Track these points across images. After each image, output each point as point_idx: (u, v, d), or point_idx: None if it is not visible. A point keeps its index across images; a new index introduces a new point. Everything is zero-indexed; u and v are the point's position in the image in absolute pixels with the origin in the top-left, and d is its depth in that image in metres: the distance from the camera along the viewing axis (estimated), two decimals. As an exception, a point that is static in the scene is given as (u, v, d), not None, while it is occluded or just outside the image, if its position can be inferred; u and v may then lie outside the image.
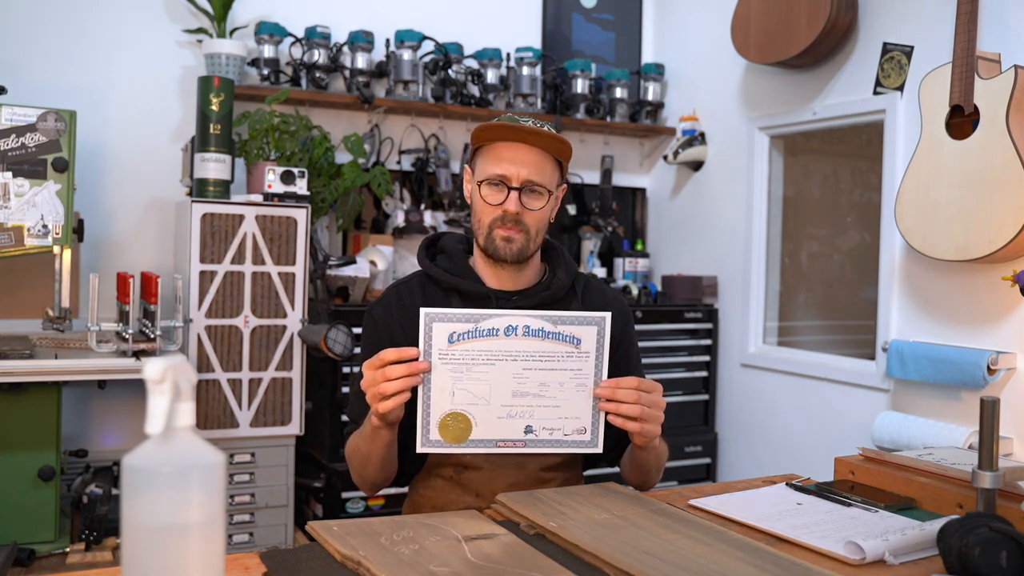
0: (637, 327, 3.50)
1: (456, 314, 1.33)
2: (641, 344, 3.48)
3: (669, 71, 3.98)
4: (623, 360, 1.61)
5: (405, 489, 1.68)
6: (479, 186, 1.54)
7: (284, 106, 3.29)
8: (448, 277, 1.59)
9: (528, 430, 1.37)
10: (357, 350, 2.68)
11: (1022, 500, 1.27)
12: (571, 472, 1.63)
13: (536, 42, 3.86)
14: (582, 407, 1.38)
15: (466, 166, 1.61)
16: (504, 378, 1.35)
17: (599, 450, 1.40)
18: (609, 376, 1.58)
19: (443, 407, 1.35)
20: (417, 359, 1.33)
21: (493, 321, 1.33)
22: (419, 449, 1.37)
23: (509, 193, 1.51)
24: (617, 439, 1.61)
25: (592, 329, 1.36)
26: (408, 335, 1.55)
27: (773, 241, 3.56)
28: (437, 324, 1.33)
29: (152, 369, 0.74)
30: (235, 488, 2.76)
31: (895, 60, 2.92)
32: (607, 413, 1.39)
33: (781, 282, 3.60)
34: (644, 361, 3.60)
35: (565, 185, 1.63)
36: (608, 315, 1.37)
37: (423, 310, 1.34)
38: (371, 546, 1.12)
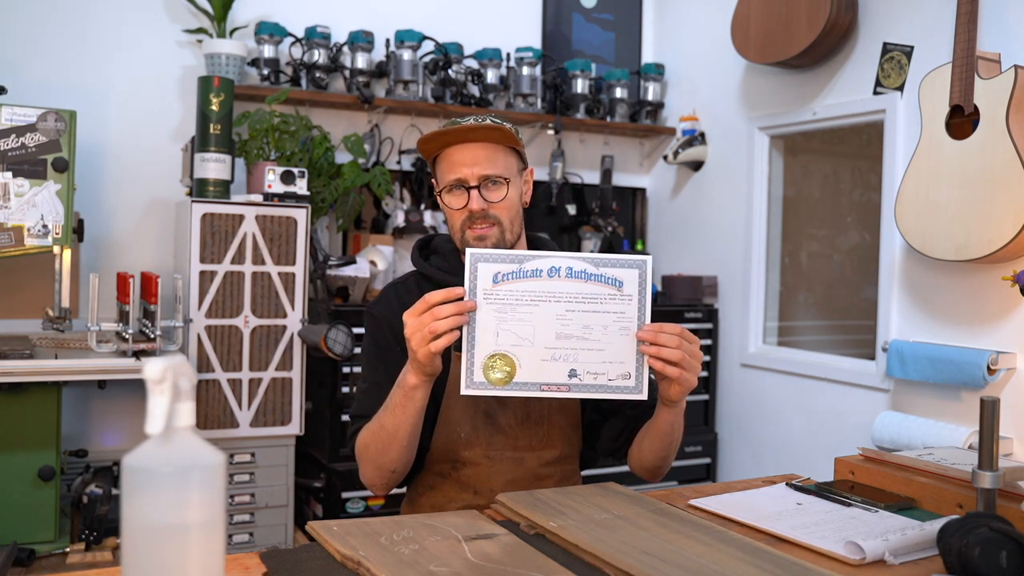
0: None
1: (501, 254, 1.35)
2: (641, 344, 3.49)
3: (669, 71, 3.98)
4: None
5: (404, 490, 1.68)
6: (441, 196, 1.57)
7: (284, 106, 3.29)
8: (443, 275, 1.60)
9: (572, 374, 1.36)
10: (357, 350, 2.68)
11: (1022, 500, 1.27)
12: (569, 467, 1.63)
13: (536, 42, 3.86)
14: (626, 352, 1.36)
15: (433, 180, 1.62)
16: (548, 319, 1.35)
17: (643, 397, 1.38)
18: None
19: (487, 348, 1.35)
20: (463, 299, 1.34)
21: (537, 262, 1.35)
22: (463, 391, 1.36)
23: (469, 193, 1.52)
24: (622, 429, 1.60)
25: (633, 272, 1.36)
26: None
27: (773, 241, 3.56)
28: (482, 264, 1.35)
29: (152, 369, 0.74)
30: (235, 488, 2.76)
31: (895, 60, 2.92)
32: (649, 358, 1.37)
33: (781, 282, 3.60)
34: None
35: (531, 168, 1.65)
36: (649, 258, 1.37)
37: (469, 251, 1.35)
38: (371, 546, 1.12)
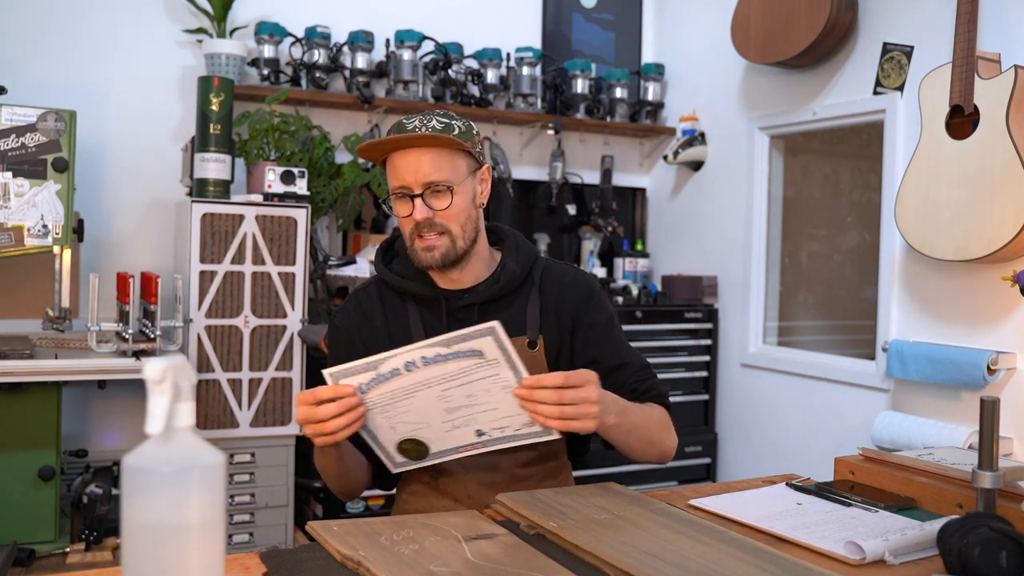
0: (637, 327, 3.50)
1: (354, 367, 1.28)
2: (641, 344, 3.50)
3: (669, 71, 3.99)
4: (588, 335, 1.56)
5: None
6: (389, 202, 1.51)
7: (284, 106, 3.29)
8: (401, 282, 1.56)
9: (480, 433, 1.33)
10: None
11: (1022, 500, 1.27)
12: (552, 464, 1.60)
13: (536, 42, 3.86)
14: (517, 405, 1.29)
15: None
16: (430, 403, 1.29)
17: (557, 436, 1.32)
18: (579, 354, 1.54)
19: (392, 440, 1.34)
20: (353, 394, 1.28)
21: (391, 362, 1.26)
22: (393, 471, 1.37)
23: (414, 202, 1.46)
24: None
25: (487, 339, 1.24)
26: (367, 344, 1.53)
27: (773, 241, 3.56)
28: (343, 380, 1.29)
29: (152, 369, 0.74)
30: (235, 488, 2.76)
31: (895, 60, 2.92)
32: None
33: (781, 282, 3.60)
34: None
35: (488, 165, 1.57)
36: (496, 323, 1.23)
37: (325, 372, 1.29)
38: (371, 546, 1.12)
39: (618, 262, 3.92)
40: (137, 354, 2.53)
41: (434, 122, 1.48)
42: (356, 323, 1.57)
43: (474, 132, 1.53)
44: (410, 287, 1.55)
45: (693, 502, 1.40)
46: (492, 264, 1.59)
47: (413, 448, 1.35)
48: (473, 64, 3.59)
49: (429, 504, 1.55)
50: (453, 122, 1.49)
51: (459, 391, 1.28)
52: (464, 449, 1.35)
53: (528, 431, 1.32)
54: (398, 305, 1.57)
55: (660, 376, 1.60)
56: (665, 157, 3.80)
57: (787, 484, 1.51)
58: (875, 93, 3.00)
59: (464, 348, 1.25)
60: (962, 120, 2.52)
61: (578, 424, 1.29)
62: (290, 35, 3.30)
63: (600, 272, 3.82)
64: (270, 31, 3.25)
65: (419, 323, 1.54)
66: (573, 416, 1.28)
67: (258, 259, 2.77)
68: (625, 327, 3.46)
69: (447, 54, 3.47)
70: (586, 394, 1.29)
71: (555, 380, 1.27)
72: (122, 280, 2.65)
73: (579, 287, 1.59)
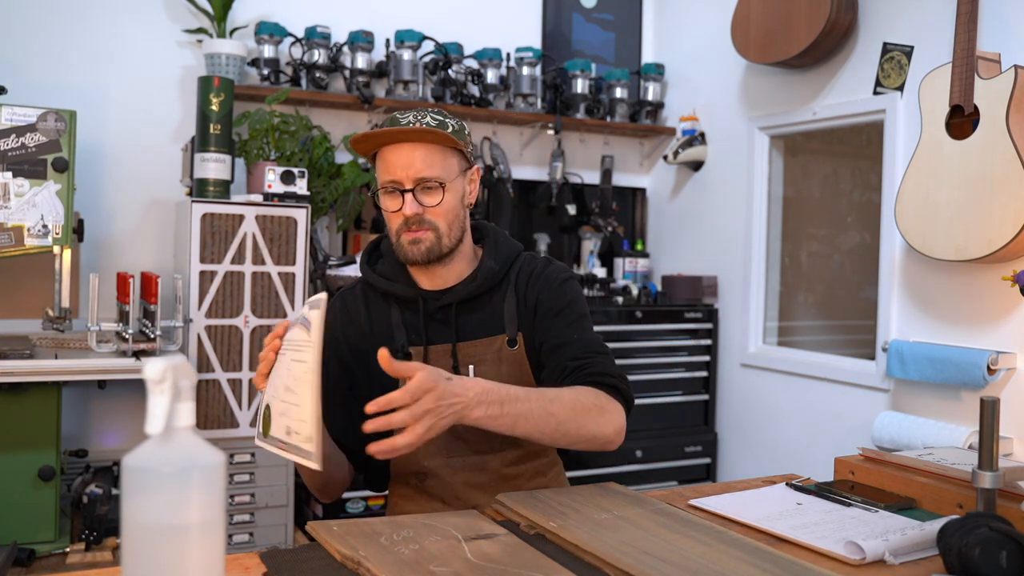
0: (637, 327, 3.50)
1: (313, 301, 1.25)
2: (641, 344, 3.50)
3: (669, 71, 3.99)
4: (543, 319, 1.53)
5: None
6: (377, 196, 1.51)
7: (284, 106, 3.29)
8: (383, 282, 1.56)
9: (288, 431, 1.21)
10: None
11: (1022, 500, 1.27)
12: (541, 461, 1.58)
13: (536, 42, 3.86)
14: (308, 407, 1.15)
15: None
16: (282, 370, 1.23)
17: (316, 467, 1.16)
18: (536, 341, 1.51)
19: (265, 398, 1.28)
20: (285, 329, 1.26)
21: (300, 311, 1.22)
22: (256, 441, 1.30)
23: (404, 197, 1.45)
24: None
25: (317, 312, 1.16)
26: (350, 343, 1.54)
27: (773, 241, 3.56)
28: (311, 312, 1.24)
29: (152, 369, 0.74)
30: (235, 488, 2.76)
31: (895, 60, 2.92)
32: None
33: (781, 282, 3.61)
34: (644, 361, 3.58)
35: (478, 167, 1.57)
36: (323, 296, 1.17)
37: (315, 298, 1.26)
38: (371, 546, 1.12)
39: (618, 262, 3.92)
40: (137, 354, 2.53)
41: (428, 118, 1.47)
42: (340, 323, 1.56)
43: (466, 132, 1.53)
44: (392, 287, 1.55)
45: (693, 502, 1.40)
46: (475, 262, 1.58)
47: (264, 420, 1.27)
48: (473, 64, 3.59)
49: (418, 507, 1.55)
50: (447, 120, 1.49)
51: (296, 368, 1.19)
52: (282, 447, 1.23)
53: (304, 447, 1.17)
54: (381, 306, 1.57)
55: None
56: (665, 157, 3.80)
57: (787, 484, 1.51)
58: (875, 93, 3.00)
59: (307, 315, 1.17)
60: (962, 120, 2.52)
61: (430, 434, 1.21)
62: (290, 35, 3.30)
63: (600, 272, 3.82)
64: (270, 31, 3.25)
65: (400, 324, 1.54)
66: (432, 428, 1.20)
67: (258, 259, 2.77)
68: (625, 327, 3.47)
69: (447, 54, 3.47)
70: (427, 405, 1.19)
71: (403, 399, 1.18)
72: (122, 280, 2.65)
73: (545, 277, 1.56)
